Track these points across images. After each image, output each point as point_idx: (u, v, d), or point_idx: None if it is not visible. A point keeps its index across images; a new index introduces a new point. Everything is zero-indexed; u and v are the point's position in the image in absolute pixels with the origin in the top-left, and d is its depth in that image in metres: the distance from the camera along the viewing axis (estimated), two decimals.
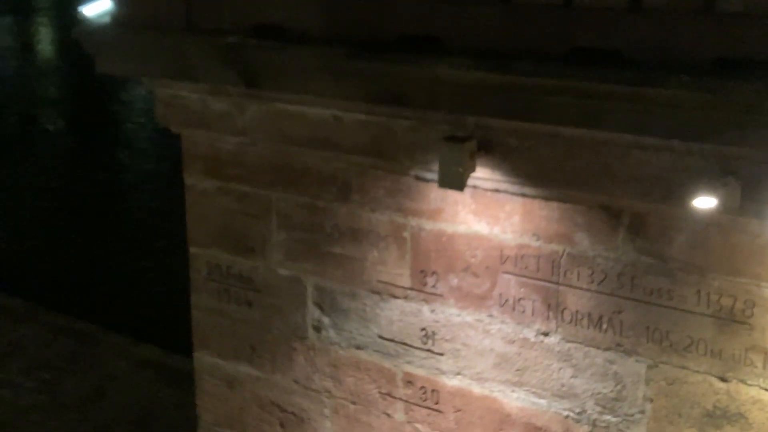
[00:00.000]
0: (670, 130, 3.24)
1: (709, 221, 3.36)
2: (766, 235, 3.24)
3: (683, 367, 3.57)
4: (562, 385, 3.85)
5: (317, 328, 4.47)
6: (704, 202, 3.18)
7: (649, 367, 3.64)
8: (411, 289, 4.16)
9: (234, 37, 4.08)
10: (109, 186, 13.46)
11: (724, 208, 3.19)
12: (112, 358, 8.50)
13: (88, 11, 4.41)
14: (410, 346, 4.22)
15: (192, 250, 4.78)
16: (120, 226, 12.05)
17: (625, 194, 3.48)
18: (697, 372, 3.54)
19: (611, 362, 3.72)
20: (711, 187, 3.17)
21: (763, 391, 3.43)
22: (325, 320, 4.44)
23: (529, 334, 3.89)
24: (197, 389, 4.98)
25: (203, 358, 4.91)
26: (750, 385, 3.45)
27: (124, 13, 4.38)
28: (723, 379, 3.50)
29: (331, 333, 4.43)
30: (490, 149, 3.72)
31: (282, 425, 4.70)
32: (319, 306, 4.44)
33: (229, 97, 4.33)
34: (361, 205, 4.21)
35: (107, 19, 4.42)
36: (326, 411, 4.54)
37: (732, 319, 3.43)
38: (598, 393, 3.77)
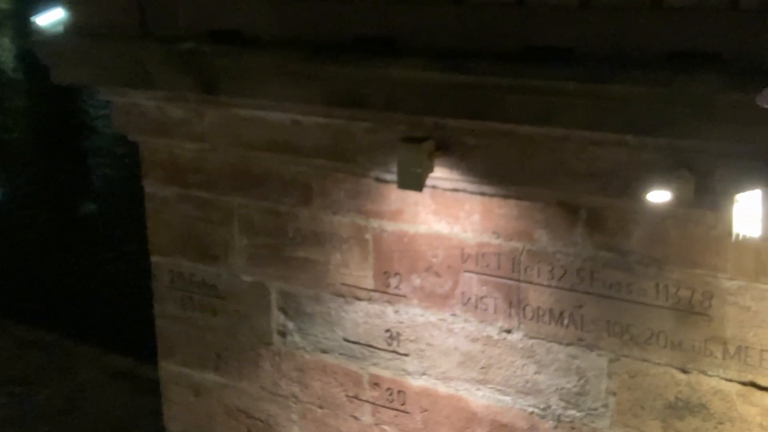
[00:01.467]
0: (624, 125, 3.26)
1: (665, 214, 3.39)
2: (721, 226, 3.27)
3: (645, 360, 3.59)
4: (527, 382, 3.87)
5: (282, 333, 4.46)
6: (659, 196, 3.21)
7: (611, 361, 3.66)
8: (374, 290, 4.16)
9: (190, 43, 4.06)
10: (76, 194, 13.34)
11: (679, 201, 3.22)
12: (84, 369, 8.42)
13: (41, 21, 4.37)
14: (375, 347, 4.22)
15: (154, 258, 4.76)
16: (87, 235, 11.94)
17: (582, 190, 3.51)
18: (659, 364, 3.57)
19: (574, 357, 3.74)
20: (665, 181, 3.20)
21: (723, 382, 3.46)
22: (290, 325, 4.43)
23: (492, 331, 3.90)
24: (164, 399, 4.95)
25: (169, 367, 4.88)
26: (710, 376, 3.48)
27: (78, 22, 4.35)
28: (684, 371, 3.53)
29: (297, 338, 4.42)
30: (448, 149, 3.73)
31: None
32: (284, 311, 4.43)
33: (186, 104, 4.31)
34: (322, 209, 4.21)
35: (61, 29, 4.38)
36: (294, 416, 4.53)
37: (691, 311, 3.46)
38: (562, 388, 3.79)
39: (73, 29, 4.36)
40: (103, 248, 11.29)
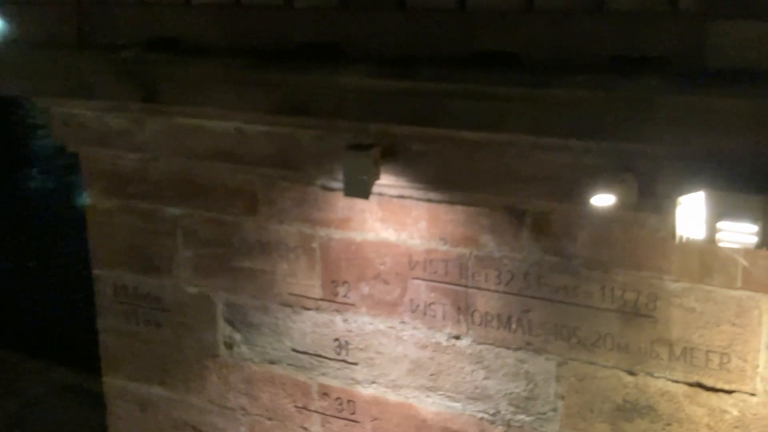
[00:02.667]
0: (569, 129, 3.28)
1: (610, 218, 3.41)
2: (665, 229, 3.30)
3: (592, 363, 3.61)
4: (476, 387, 3.86)
5: (229, 345, 4.40)
6: (604, 199, 3.22)
7: (559, 365, 3.67)
8: (322, 299, 4.12)
9: (130, 51, 4.00)
10: (18, 205, 13.08)
11: (623, 204, 3.23)
12: (30, 383, 8.26)
13: None
14: (324, 357, 4.18)
15: (96, 271, 4.66)
16: (30, 247, 11.71)
17: (528, 194, 3.52)
18: (606, 367, 3.58)
19: (522, 362, 3.74)
20: (609, 184, 3.22)
21: (670, 383, 3.49)
22: (237, 336, 4.37)
23: (441, 338, 3.89)
24: (109, 414, 4.86)
25: (114, 382, 4.78)
26: (657, 378, 3.51)
27: (16, 32, 4.25)
28: (631, 373, 3.55)
29: (244, 349, 4.37)
30: (394, 156, 3.71)
31: None
32: (230, 322, 4.37)
33: (127, 113, 4.24)
34: (268, 218, 4.16)
35: None
36: (242, 429, 4.46)
37: (636, 313, 3.49)
38: (511, 393, 3.79)
39: (11, 39, 4.26)
40: (49, 261, 11.08)
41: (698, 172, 3.08)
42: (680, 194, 3.08)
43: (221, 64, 3.85)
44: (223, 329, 4.39)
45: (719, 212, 3.02)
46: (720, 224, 3.01)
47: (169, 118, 4.16)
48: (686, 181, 3.09)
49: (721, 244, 3.07)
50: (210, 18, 3.90)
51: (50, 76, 4.22)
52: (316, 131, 3.86)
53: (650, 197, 3.27)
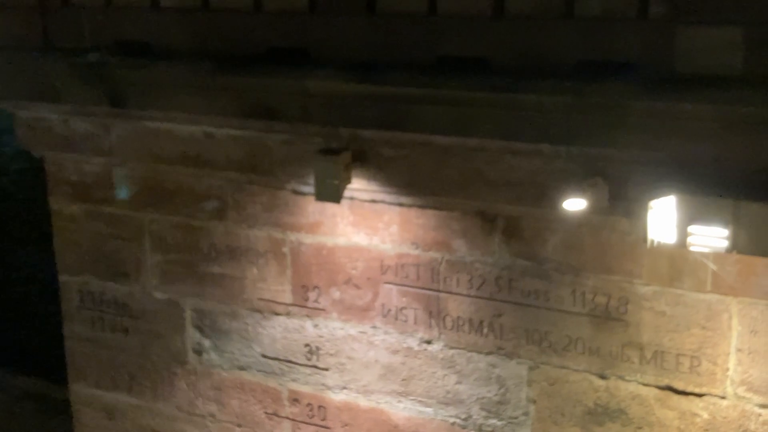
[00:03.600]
0: (538, 134, 3.29)
1: (580, 222, 3.42)
2: (636, 233, 3.31)
3: (563, 367, 3.61)
4: (448, 392, 3.85)
5: (198, 352, 4.35)
6: (574, 204, 3.23)
7: (531, 369, 3.67)
8: (293, 305, 4.09)
9: (95, 55, 3.94)
10: None
11: (593, 209, 3.25)
12: None
13: None
14: (295, 363, 4.15)
15: (62, 278, 4.59)
16: None
17: (499, 199, 3.52)
18: (577, 371, 3.59)
19: (494, 366, 3.74)
20: (580, 189, 3.23)
21: (641, 386, 3.50)
22: (206, 343, 4.33)
23: (413, 342, 3.88)
24: (75, 422, 4.79)
25: (80, 390, 4.71)
26: (628, 381, 3.52)
27: None
28: (602, 377, 3.56)
29: (213, 355, 4.32)
30: (365, 160, 3.70)
31: None
32: (199, 328, 4.33)
33: (93, 118, 4.18)
34: (237, 223, 4.12)
35: None
36: None
37: (607, 317, 3.50)
38: (483, 397, 3.79)
39: None
40: (10, 266, 10.90)
41: (668, 177, 3.10)
42: (651, 198, 3.10)
43: (188, 69, 3.81)
44: (192, 335, 4.35)
45: (690, 216, 3.04)
46: (690, 228, 3.03)
47: (136, 122, 4.11)
48: (657, 185, 3.10)
49: (691, 248, 3.09)
50: (177, 22, 3.86)
51: (13, 80, 4.16)
52: (285, 135, 3.83)
53: (621, 201, 3.29)
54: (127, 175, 4.28)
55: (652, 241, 3.14)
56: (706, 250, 3.09)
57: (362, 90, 3.49)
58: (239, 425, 4.34)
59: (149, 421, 4.56)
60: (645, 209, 3.12)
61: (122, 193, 4.28)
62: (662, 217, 3.09)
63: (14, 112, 4.40)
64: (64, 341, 4.69)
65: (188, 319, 4.33)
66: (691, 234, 3.05)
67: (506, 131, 3.34)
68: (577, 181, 3.25)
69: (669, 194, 3.06)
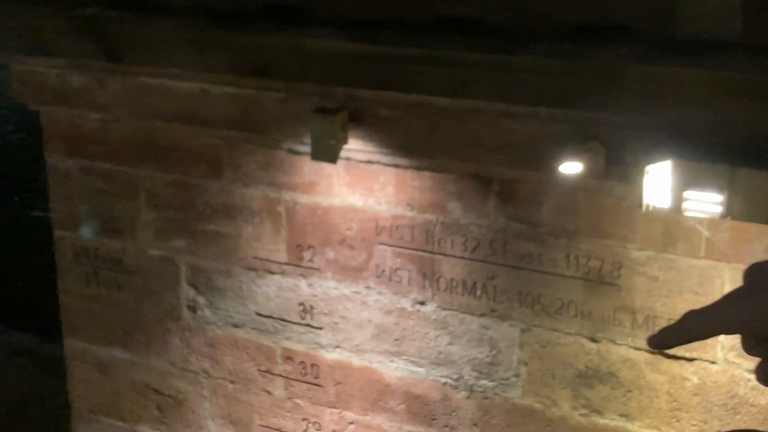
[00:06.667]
0: (535, 97, 3.27)
1: (576, 186, 3.42)
2: (631, 197, 3.32)
3: (555, 330, 3.64)
4: (440, 353, 3.88)
5: (192, 308, 4.37)
6: (570, 168, 3.23)
7: (523, 331, 3.69)
8: (287, 264, 4.10)
9: (92, 8, 3.90)
10: None
11: (589, 173, 3.24)
12: None
13: None
14: (288, 321, 4.17)
15: (57, 233, 4.59)
16: None
17: (494, 162, 3.51)
18: (569, 334, 3.62)
19: (486, 328, 3.76)
20: (576, 153, 3.22)
21: (632, 350, 3.53)
22: (201, 300, 4.34)
23: (406, 303, 3.89)
24: (69, 376, 4.81)
25: (74, 345, 4.73)
26: (619, 345, 3.54)
27: None
28: (593, 340, 3.59)
29: (207, 312, 4.34)
30: (361, 120, 3.68)
31: (159, 409, 4.59)
32: (194, 285, 4.34)
33: (88, 72, 4.15)
34: (233, 181, 4.12)
35: None
36: (205, 392, 4.45)
37: (600, 281, 3.51)
38: (474, 359, 3.81)
39: None
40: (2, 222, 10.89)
41: (665, 142, 3.10)
42: (647, 163, 3.09)
43: (183, 24, 3.77)
44: (187, 292, 4.36)
45: (685, 182, 3.04)
46: (686, 193, 3.04)
47: (132, 77, 4.08)
48: (653, 151, 3.10)
49: (686, 214, 3.10)
50: None
51: (8, 33, 4.12)
52: (280, 94, 3.81)
53: (617, 166, 3.28)
54: (120, 130, 4.26)
55: (647, 206, 3.14)
56: (700, 215, 3.10)
57: (358, 49, 3.46)
58: (232, 382, 4.37)
59: (143, 377, 4.59)
60: (641, 174, 3.12)
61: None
62: (658, 182, 3.09)
63: (9, 65, 4.37)
64: (59, 296, 4.70)
65: (183, 276, 4.34)
66: (686, 199, 3.06)
67: (502, 93, 3.32)
68: (574, 145, 3.24)
69: (665, 159, 3.05)
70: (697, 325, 1.05)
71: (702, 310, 1.05)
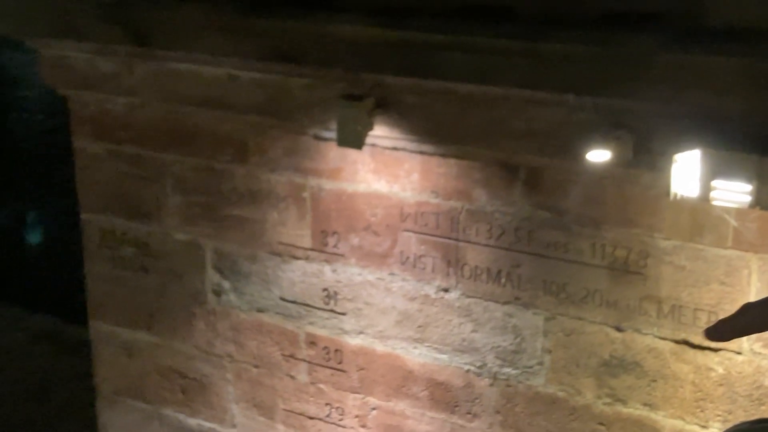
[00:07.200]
0: (563, 84, 3.26)
1: (603, 174, 3.41)
2: (658, 186, 3.30)
3: (580, 318, 3.63)
4: (463, 340, 3.88)
5: (217, 293, 4.40)
6: (598, 156, 3.21)
7: (547, 319, 3.69)
8: (312, 249, 4.12)
9: None
10: None
11: (617, 161, 3.23)
12: (6, 330, 8.20)
13: None
14: (312, 306, 4.19)
15: (84, 216, 4.63)
16: (5, 193, 11.58)
17: (521, 149, 3.50)
18: (594, 322, 3.61)
19: (510, 316, 3.76)
20: (604, 141, 3.21)
21: (657, 340, 3.52)
22: (226, 284, 4.37)
23: (430, 290, 3.90)
24: (94, 359, 4.86)
25: (100, 327, 4.78)
26: (644, 334, 3.53)
27: None
28: (618, 329, 3.58)
29: (232, 297, 4.37)
30: (387, 107, 3.69)
31: (183, 392, 4.63)
32: (219, 270, 4.36)
33: (117, 57, 4.18)
34: (259, 166, 4.13)
35: None
36: (228, 375, 4.48)
37: (626, 270, 3.50)
38: (498, 346, 3.82)
39: None
40: (26, 206, 10.96)
41: (694, 131, 3.08)
42: (675, 152, 3.08)
43: (212, 10, 3.79)
44: (212, 277, 4.39)
45: (713, 171, 3.02)
46: (714, 183, 3.02)
47: (160, 62, 4.10)
48: (682, 139, 3.08)
49: (714, 203, 3.08)
50: None
51: (38, 17, 4.15)
52: (307, 80, 3.82)
53: (645, 154, 3.27)
54: (147, 115, 4.29)
55: (675, 195, 3.13)
56: (729, 204, 3.08)
57: (386, 35, 3.45)
58: (256, 366, 4.40)
59: (168, 360, 4.63)
60: (669, 162, 3.11)
61: None
62: (686, 170, 3.07)
63: (39, 50, 4.40)
64: (85, 279, 4.74)
65: (208, 260, 4.37)
66: (714, 188, 3.04)
67: (530, 81, 3.31)
68: (602, 133, 3.22)
69: (694, 148, 3.04)
70: (754, 318, 1.04)
71: (760, 302, 1.04)
